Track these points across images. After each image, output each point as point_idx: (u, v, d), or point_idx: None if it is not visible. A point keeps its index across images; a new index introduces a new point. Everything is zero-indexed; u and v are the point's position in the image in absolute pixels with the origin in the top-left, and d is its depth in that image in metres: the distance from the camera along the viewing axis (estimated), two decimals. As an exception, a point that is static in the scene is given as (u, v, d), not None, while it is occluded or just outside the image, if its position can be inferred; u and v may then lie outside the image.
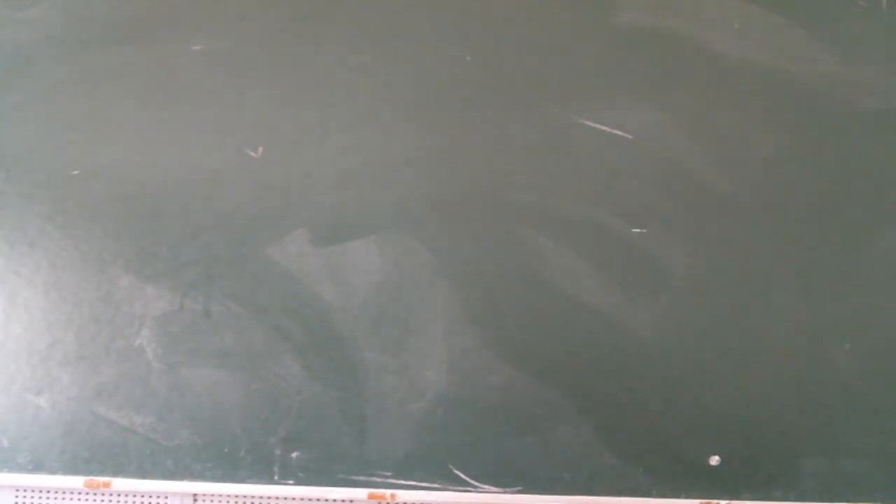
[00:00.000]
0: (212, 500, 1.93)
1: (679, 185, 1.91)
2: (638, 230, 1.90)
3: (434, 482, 1.86)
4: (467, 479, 1.86)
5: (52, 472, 1.88)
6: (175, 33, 1.97)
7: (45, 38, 1.99)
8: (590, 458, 1.85)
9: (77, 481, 1.88)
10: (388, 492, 1.86)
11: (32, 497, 1.94)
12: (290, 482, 1.87)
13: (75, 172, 1.94)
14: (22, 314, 1.91)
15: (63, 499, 1.94)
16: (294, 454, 1.87)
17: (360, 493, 1.86)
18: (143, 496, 1.93)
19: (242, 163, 1.93)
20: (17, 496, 1.94)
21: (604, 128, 1.93)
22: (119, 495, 1.93)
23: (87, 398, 1.89)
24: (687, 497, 1.85)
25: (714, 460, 1.85)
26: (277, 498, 1.92)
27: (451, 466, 1.86)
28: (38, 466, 1.88)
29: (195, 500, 1.93)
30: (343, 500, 1.89)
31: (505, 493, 1.85)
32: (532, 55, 1.95)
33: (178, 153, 1.94)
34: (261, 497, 1.92)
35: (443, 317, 1.89)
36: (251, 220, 1.92)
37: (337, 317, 1.89)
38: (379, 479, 1.86)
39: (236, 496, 1.92)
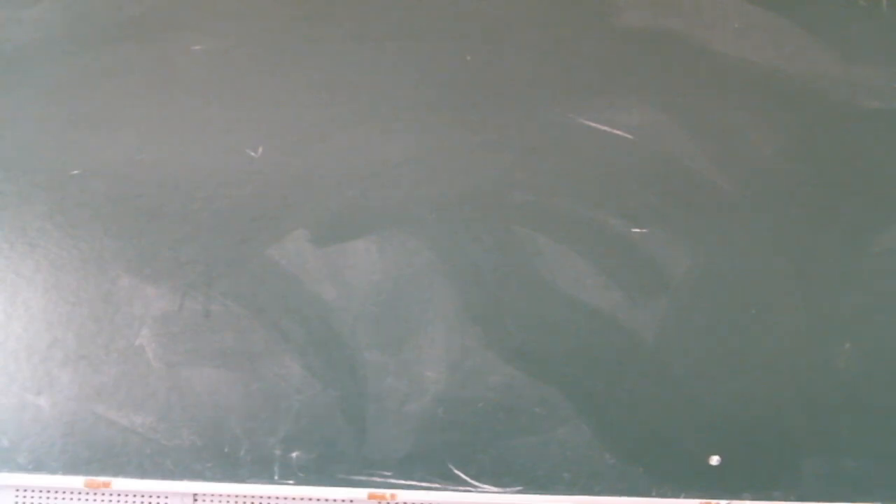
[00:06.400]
0: (212, 500, 1.93)
1: (679, 185, 1.91)
2: (638, 230, 1.90)
3: (434, 482, 1.86)
4: (467, 478, 1.86)
5: (52, 472, 1.88)
6: (175, 33, 1.97)
7: (45, 38, 1.99)
8: (590, 458, 1.85)
9: (77, 481, 1.88)
10: (388, 492, 1.86)
11: (32, 497, 1.94)
12: (290, 482, 1.87)
13: (75, 172, 1.94)
14: (22, 314, 1.91)
15: (63, 499, 1.94)
16: (294, 454, 1.87)
17: (360, 493, 1.86)
18: (143, 496, 1.93)
19: (242, 163, 1.93)
20: (17, 496, 1.94)
21: (604, 128, 1.93)
22: (119, 495, 1.93)
23: (87, 398, 1.88)
24: (687, 497, 1.85)
25: (714, 460, 1.85)
26: (277, 498, 1.92)
27: (451, 466, 1.86)
28: (38, 466, 1.88)
29: (195, 500, 1.93)
30: (343, 500, 1.89)
31: (505, 492, 1.85)
32: (532, 55, 1.95)
33: (178, 153, 1.94)
34: (261, 497, 1.92)
35: (443, 317, 1.89)
36: (251, 220, 1.92)
37: (337, 317, 1.89)
38: (379, 479, 1.86)
39: (236, 496, 1.92)
